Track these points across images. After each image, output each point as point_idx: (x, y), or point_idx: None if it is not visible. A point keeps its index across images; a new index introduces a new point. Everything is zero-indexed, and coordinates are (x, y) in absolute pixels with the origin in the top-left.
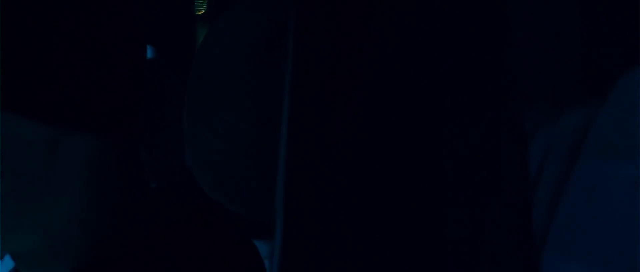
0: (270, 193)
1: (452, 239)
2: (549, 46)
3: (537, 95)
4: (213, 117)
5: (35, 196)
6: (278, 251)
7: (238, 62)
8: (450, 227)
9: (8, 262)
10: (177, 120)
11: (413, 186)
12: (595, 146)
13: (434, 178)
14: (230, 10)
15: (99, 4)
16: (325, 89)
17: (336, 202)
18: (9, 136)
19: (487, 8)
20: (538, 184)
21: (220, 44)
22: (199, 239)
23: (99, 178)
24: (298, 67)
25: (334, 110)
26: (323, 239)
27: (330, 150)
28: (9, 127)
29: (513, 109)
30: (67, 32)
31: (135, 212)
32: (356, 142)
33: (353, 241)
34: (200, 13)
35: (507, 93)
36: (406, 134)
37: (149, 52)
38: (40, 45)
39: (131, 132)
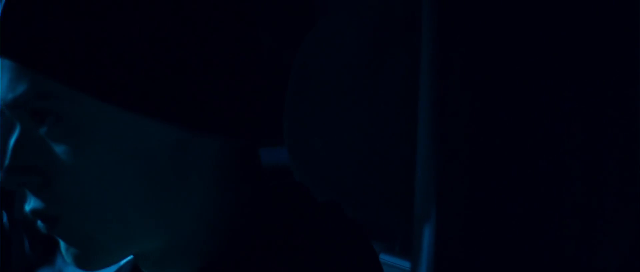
0: (380, 195)
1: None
2: None
3: None
4: (321, 121)
5: (165, 196)
6: (429, 253)
7: (346, 65)
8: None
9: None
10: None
11: (560, 189)
12: None
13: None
14: (335, 15)
15: (233, 11)
16: (473, 86)
17: (487, 203)
18: (141, 137)
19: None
20: None
21: (326, 49)
22: (320, 238)
23: (226, 179)
24: (442, 65)
25: (484, 112)
26: (477, 241)
27: (481, 154)
28: (141, 128)
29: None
30: (203, 38)
31: (259, 212)
32: (508, 145)
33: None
34: None
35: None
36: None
37: None
38: (174, 48)
39: (254, 133)
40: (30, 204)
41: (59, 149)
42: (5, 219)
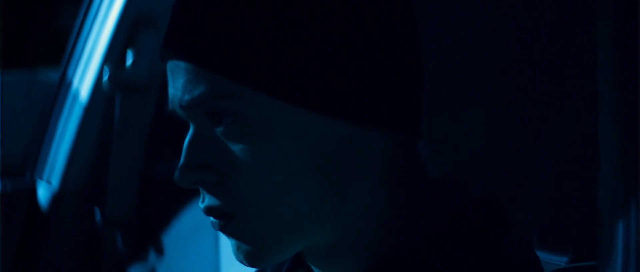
0: (520, 190)
1: None
2: None
3: None
4: (462, 115)
5: (336, 191)
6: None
7: (494, 58)
8: None
9: None
10: None
11: None
12: None
13: None
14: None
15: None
16: None
17: None
18: (314, 134)
19: None
20: None
21: (470, 40)
22: (487, 235)
23: (393, 174)
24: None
25: None
26: None
27: None
28: (315, 126)
29: None
30: (374, 36)
31: (426, 208)
32: None
33: None
34: None
35: None
36: None
37: None
38: (347, 46)
39: (417, 127)
40: (205, 201)
41: (236, 148)
42: (98, 216)
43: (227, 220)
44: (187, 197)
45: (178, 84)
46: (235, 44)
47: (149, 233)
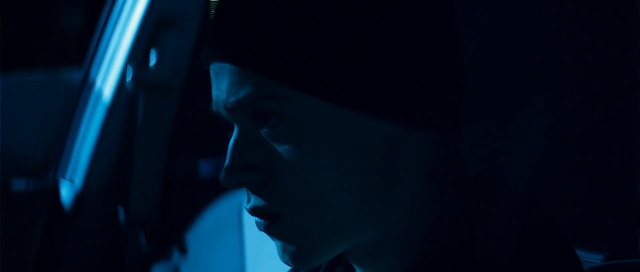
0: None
1: None
2: None
3: None
4: (498, 116)
5: (380, 190)
6: None
7: (528, 58)
8: None
9: None
10: None
11: None
12: None
13: None
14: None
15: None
16: None
17: None
18: (358, 134)
19: None
20: None
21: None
22: (527, 232)
23: (435, 172)
24: None
25: None
26: None
27: None
28: (359, 125)
29: None
30: (417, 36)
31: (466, 207)
32: None
33: None
34: None
35: None
36: None
37: None
38: (391, 47)
39: (459, 126)
40: (251, 202)
41: (282, 148)
42: (121, 215)
43: (271, 220)
44: (210, 196)
45: (222, 86)
46: (280, 45)
47: (172, 232)
